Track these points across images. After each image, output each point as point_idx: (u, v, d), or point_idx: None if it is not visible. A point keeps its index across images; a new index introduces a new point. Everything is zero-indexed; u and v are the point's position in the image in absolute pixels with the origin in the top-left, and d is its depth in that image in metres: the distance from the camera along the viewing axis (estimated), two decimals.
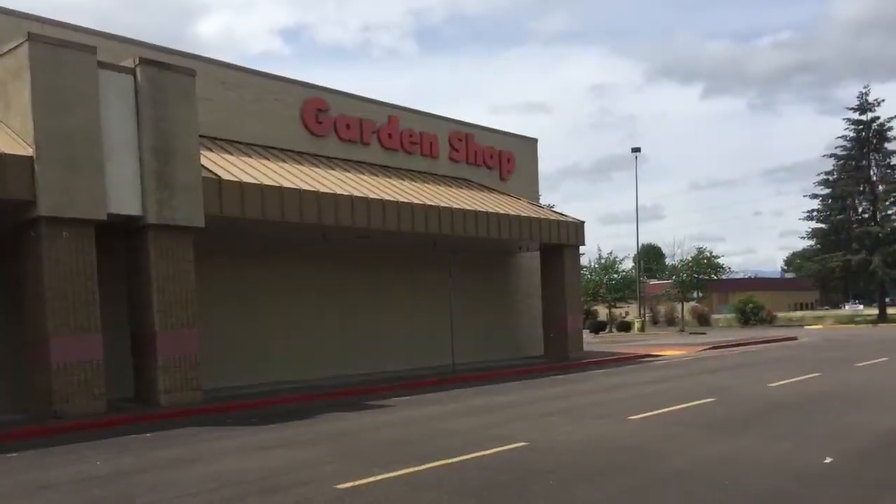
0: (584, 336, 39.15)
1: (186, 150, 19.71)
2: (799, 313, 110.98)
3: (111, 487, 10.21)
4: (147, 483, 10.40)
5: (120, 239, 20.02)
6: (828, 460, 10.33)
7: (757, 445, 11.60)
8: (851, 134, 71.66)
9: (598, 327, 70.22)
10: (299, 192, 22.27)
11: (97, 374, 17.93)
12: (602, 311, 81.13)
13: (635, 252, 73.08)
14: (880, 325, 64.23)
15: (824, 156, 74.51)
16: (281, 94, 26.31)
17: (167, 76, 19.53)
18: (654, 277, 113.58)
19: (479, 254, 32.86)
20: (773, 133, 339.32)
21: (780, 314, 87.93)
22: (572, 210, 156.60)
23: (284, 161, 24.80)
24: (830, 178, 72.90)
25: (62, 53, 17.56)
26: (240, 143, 24.61)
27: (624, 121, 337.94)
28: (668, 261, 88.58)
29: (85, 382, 17.68)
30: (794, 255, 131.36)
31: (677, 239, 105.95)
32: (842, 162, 72.16)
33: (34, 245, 17.47)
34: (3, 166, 16.43)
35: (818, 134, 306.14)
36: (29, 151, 16.97)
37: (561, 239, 32.05)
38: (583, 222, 33.49)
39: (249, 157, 23.72)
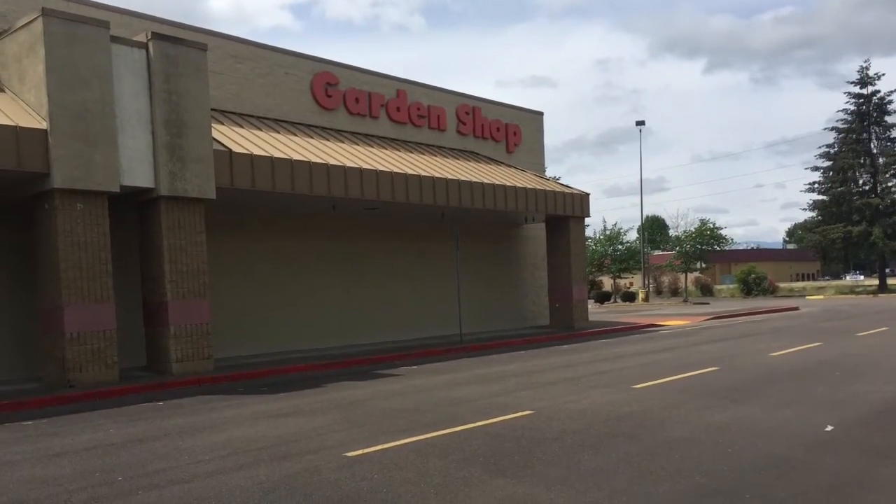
0: (589, 306, 39.42)
1: (198, 123, 19.89)
2: (801, 284, 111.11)
3: (124, 455, 10.48)
4: (159, 451, 10.67)
5: (133, 210, 20.27)
6: (828, 428, 10.59)
7: (759, 413, 11.86)
8: (852, 107, 71.71)
9: (602, 297, 70.56)
10: (309, 165, 22.44)
11: (110, 344, 18.22)
12: (607, 282, 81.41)
13: (639, 223, 73.11)
14: (880, 295, 64.50)
15: (825, 129, 75.16)
16: (291, 69, 26.46)
17: (179, 50, 19.69)
18: (658, 248, 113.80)
19: (486, 225, 33.10)
20: (775, 106, 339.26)
21: (782, 285, 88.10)
22: (577, 182, 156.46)
23: (294, 134, 24.98)
24: (831, 150, 72.98)
25: (75, 28, 17.73)
26: (250, 116, 24.81)
27: (628, 94, 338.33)
28: (671, 232, 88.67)
29: (98, 351, 17.97)
30: (796, 227, 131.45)
31: (681, 211, 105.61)
32: (843, 135, 72.21)
33: (48, 216, 17.71)
34: (17, 139, 16.64)
35: (819, 107, 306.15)
36: (43, 125, 17.19)
37: (566, 210, 32.22)
38: (587, 194, 33.63)
39: (260, 130, 23.89)
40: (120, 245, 19.66)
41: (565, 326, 32.74)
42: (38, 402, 15.75)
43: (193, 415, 13.90)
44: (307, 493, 8.17)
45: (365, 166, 24.24)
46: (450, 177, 27.16)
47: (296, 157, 22.39)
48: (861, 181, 72.50)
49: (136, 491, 8.53)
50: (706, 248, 69.60)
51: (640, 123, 68.02)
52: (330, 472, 9.02)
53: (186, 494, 8.33)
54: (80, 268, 17.77)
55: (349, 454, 9.92)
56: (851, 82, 72.00)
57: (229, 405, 14.92)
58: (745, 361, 19.08)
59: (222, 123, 22.76)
